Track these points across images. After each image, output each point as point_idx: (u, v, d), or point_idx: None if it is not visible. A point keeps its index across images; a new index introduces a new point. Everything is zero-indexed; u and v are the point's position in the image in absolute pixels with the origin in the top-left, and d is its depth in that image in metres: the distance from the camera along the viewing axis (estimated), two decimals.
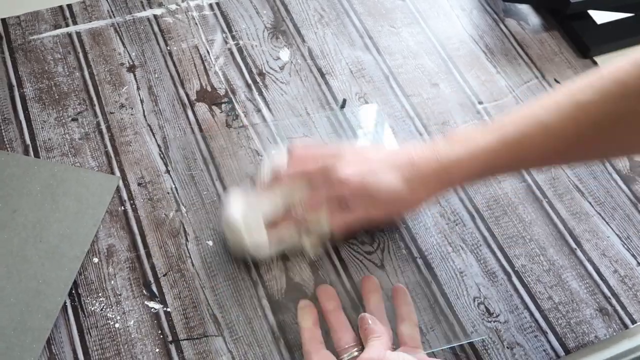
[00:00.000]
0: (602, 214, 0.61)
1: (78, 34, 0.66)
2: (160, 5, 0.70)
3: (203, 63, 0.66)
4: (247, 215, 0.53)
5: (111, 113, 0.62)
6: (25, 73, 0.63)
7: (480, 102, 0.68)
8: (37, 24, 0.66)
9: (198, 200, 0.58)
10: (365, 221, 0.55)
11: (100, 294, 0.52)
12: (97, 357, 0.49)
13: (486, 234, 0.59)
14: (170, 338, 0.51)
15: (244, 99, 0.64)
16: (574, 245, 0.59)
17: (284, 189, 0.54)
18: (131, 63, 0.65)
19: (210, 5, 0.71)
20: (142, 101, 0.63)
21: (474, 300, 0.55)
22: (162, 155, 0.60)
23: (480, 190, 0.61)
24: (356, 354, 0.48)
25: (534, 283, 0.57)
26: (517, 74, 0.70)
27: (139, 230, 0.55)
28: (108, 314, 0.51)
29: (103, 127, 0.61)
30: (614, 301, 0.56)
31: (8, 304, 0.50)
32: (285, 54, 0.69)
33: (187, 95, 0.64)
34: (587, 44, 0.72)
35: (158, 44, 0.67)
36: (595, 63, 0.72)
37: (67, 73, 0.64)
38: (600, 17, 0.75)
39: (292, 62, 0.68)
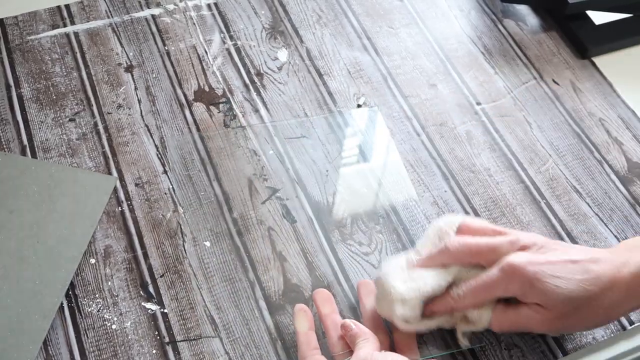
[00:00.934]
0: (600, 215, 0.61)
1: (76, 34, 0.66)
2: (158, 5, 0.70)
3: (201, 63, 0.66)
4: (406, 290, 0.48)
5: (109, 113, 0.62)
6: (23, 73, 0.63)
7: (479, 103, 0.68)
8: (34, 24, 0.66)
9: (195, 200, 0.58)
10: (536, 327, 0.48)
11: (97, 295, 0.52)
12: (93, 358, 0.49)
13: None
14: (167, 339, 0.51)
15: (241, 99, 0.64)
16: None
17: (449, 268, 0.49)
18: (129, 63, 0.65)
19: (208, 6, 0.71)
20: (139, 101, 0.63)
21: None
22: (159, 156, 0.60)
23: (479, 192, 0.61)
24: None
25: None
26: (515, 74, 0.70)
27: (136, 231, 0.55)
28: (105, 315, 0.51)
29: (100, 127, 0.61)
30: None
31: (5, 305, 0.50)
32: (283, 55, 0.68)
33: (184, 95, 0.64)
34: (585, 44, 0.72)
35: (156, 44, 0.67)
36: (593, 64, 0.72)
37: (65, 73, 0.63)
38: (599, 17, 0.75)
39: (290, 62, 0.68)
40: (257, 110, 0.64)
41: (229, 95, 0.64)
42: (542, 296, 0.46)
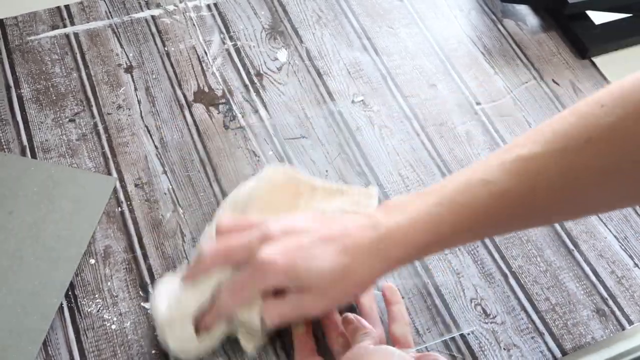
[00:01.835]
0: (599, 214, 0.61)
1: (76, 34, 0.66)
2: (158, 6, 0.70)
3: (201, 64, 0.66)
4: (171, 315, 0.47)
5: (108, 114, 0.62)
6: (23, 74, 0.63)
7: (478, 103, 0.68)
8: (34, 25, 0.66)
9: (195, 201, 0.58)
10: (302, 313, 0.47)
11: (96, 295, 0.52)
12: (93, 358, 0.49)
13: None
14: None
15: (241, 100, 0.64)
16: (571, 247, 0.59)
17: (209, 279, 0.47)
18: (129, 64, 0.65)
19: (208, 6, 0.71)
20: (139, 102, 0.63)
21: (471, 302, 0.55)
22: (159, 156, 0.60)
23: None
24: None
25: (530, 284, 0.57)
26: (515, 74, 0.70)
27: (135, 231, 0.55)
28: (104, 316, 0.51)
29: (100, 128, 0.61)
30: (611, 302, 0.56)
31: (4, 305, 0.50)
32: (283, 55, 0.68)
33: (184, 96, 0.64)
34: (585, 44, 0.72)
35: (156, 44, 0.67)
36: (593, 64, 0.72)
37: (65, 74, 0.64)
38: (599, 17, 0.75)
39: (289, 62, 0.68)
40: (256, 111, 0.64)
41: (228, 96, 0.65)
42: (300, 280, 0.45)
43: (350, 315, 0.49)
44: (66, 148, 0.59)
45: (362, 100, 0.66)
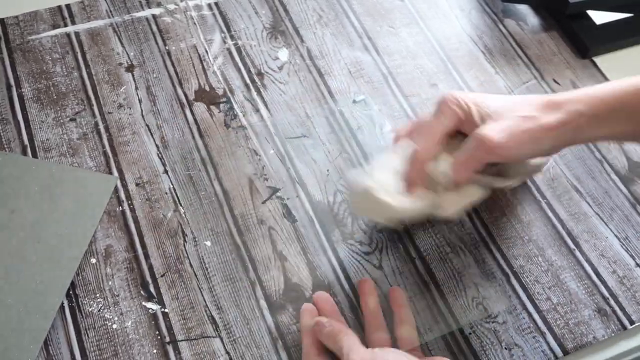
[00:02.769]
0: (600, 214, 0.61)
1: (76, 33, 0.66)
2: (158, 5, 0.70)
3: (201, 63, 0.66)
4: (384, 180, 0.50)
5: (109, 113, 0.62)
6: (24, 73, 0.63)
7: None
8: (35, 24, 0.66)
9: (196, 200, 0.58)
10: (486, 153, 0.50)
11: (97, 295, 0.52)
12: (94, 358, 0.49)
13: (484, 234, 0.59)
14: (167, 339, 0.51)
15: (242, 99, 0.64)
16: (572, 246, 0.59)
17: (403, 146, 0.51)
18: (129, 63, 0.65)
19: (209, 5, 0.71)
20: (140, 101, 0.63)
21: (473, 301, 0.55)
22: (160, 155, 0.60)
23: None
24: None
25: (532, 284, 0.57)
26: (516, 74, 0.70)
27: (136, 230, 0.55)
28: (106, 315, 0.51)
29: (101, 127, 0.61)
30: (612, 302, 0.56)
31: (5, 304, 0.50)
32: (283, 54, 0.68)
33: (185, 95, 0.64)
34: (586, 44, 0.72)
35: (156, 43, 0.67)
36: (594, 63, 0.72)
37: (66, 73, 0.63)
38: (600, 17, 0.75)
39: (290, 62, 0.68)
40: (257, 110, 0.64)
41: (229, 95, 0.64)
42: (486, 106, 0.51)
43: (321, 319, 0.48)
44: (67, 147, 0.59)
45: (363, 100, 0.66)
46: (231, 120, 0.63)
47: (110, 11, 0.68)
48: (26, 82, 0.62)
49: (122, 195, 0.57)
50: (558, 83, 0.70)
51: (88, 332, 0.50)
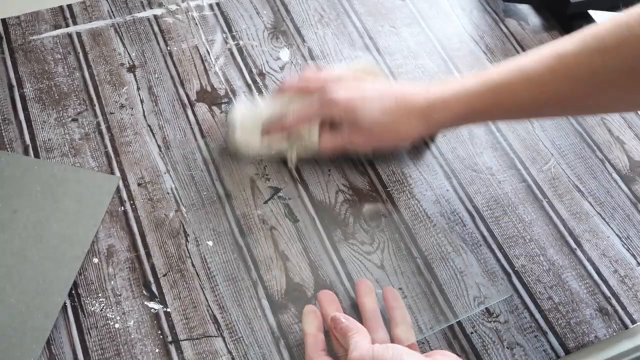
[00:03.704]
0: (602, 214, 0.61)
1: (78, 34, 0.66)
2: (160, 5, 0.70)
3: (203, 63, 0.66)
4: (245, 115, 0.59)
5: (111, 113, 0.62)
6: (26, 73, 0.63)
7: None
8: (37, 24, 0.66)
9: (198, 200, 0.58)
10: (350, 145, 0.58)
11: (100, 294, 0.52)
12: (96, 357, 0.49)
13: (486, 234, 0.59)
14: (170, 338, 0.51)
15: (244, 99, 0.64)
16: (574, 245, 0.59)
17: (284, 99, 0.59)
18: (131, 63, 0.65)
19: (210, 6, 0.71)
20: (142, 101, 0.63)
21: (474, 300, 0.55)
22: (162, 156, 0.60)
23: (481, 190, 0.61)
24: None
25: (533, 283, 0.57)
26: None
27: (138, 230, 0.55)
28: (108, 314, 0.51)
29: (103, 127, 0.61)
30: (614, 301, 0.56)
31: (8, 304, 0.50)
32: (285, 54, 0.69)
33: (187, 95, 0.64)
34: None
35: (158, 44, 0.67)
36: None
37: (67, 73, 0.64)
38: (601, 17, 0.75)
39: (292, 62, 0.68)
40: None
41: (231, 95, 0.65)
42: (355, 120, 0.55)
43: (338, 314, 0.49)
44: (69, 147, 0.59)
45: None
46: None
47: (112, 11, 0.69)
48: (28, 82, 0.62)
49: (124, 195, 0.57)
50: None
51: (90, 331, 0.50)
